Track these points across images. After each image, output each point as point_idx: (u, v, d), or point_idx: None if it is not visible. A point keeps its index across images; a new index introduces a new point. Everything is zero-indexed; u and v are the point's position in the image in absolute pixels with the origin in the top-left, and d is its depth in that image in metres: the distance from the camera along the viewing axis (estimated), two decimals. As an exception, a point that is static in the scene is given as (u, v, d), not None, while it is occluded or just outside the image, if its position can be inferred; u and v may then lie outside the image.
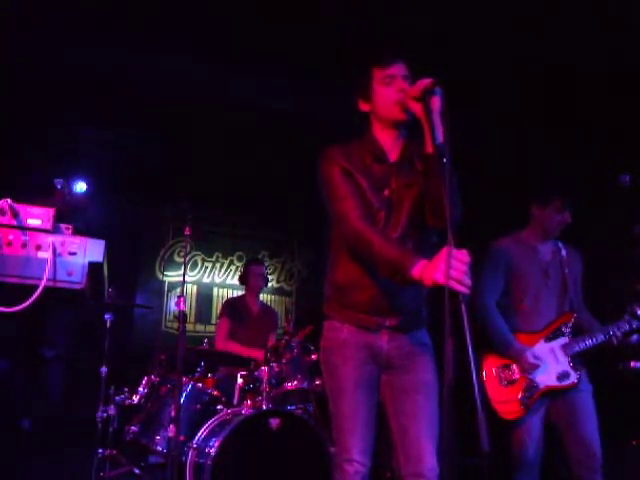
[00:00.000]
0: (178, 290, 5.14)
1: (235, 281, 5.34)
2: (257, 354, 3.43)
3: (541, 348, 2.46)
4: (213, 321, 5.33)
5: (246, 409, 2.83)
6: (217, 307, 5.28)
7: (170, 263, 5.39)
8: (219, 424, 2.76)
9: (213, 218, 5.43)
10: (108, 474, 2.94)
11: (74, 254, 1.47)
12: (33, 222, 1.48)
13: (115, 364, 3.12)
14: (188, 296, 5.30)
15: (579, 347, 2.45)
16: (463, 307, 1.31)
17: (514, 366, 2.46)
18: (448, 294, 1.34)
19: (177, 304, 2.80)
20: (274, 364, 2.96)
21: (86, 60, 3.76)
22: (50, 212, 1.50)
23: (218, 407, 2.98)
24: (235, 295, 4.96)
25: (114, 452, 2.99)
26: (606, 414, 2.44)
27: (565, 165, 4.11)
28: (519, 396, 2.42)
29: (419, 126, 1.63)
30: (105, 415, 2.98)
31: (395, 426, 1.73)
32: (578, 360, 2.46)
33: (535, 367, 2.41)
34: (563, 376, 2.42)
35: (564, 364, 2.44)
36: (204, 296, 5.50)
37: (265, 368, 2.90)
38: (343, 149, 1.78)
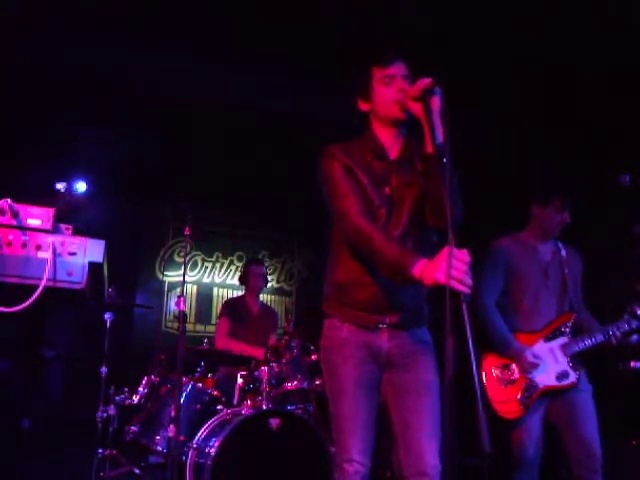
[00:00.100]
0: (178, 290, 5.14)
1: (235, 281, 5.34)
2: (257, 352, 3.43)
3: (540, 348, 2.46)
4: (213, 321, 5.32)
5: (246, 409, 2.83)
6: (217, 307, 5.28)
7: (170, 263, 5.39)
8: (219, 424, 2.76)
9: (213, 218, 5.43)
10: (108, 474, 2.94)
11: (74, 254, 1.47)
12: (33, 222, 1.48)
13: (115, 364, 3.12)
14: (188, 296, 5.30)
15: (578, 347, 2.45)
16: (464, 307, 1.31)
17: (513, 366, 2.46)
18: (449, 294, 1.34)
19: (177, 304, 2.80)
20: (274, 364, 2.96)
21: (86, 60, 3.76)
22: (50, 212, 1.50)
23: (218, 407, 2.98)
24: (235, 295, 4.96)
25: (114, 452, 2.99)
26: (606, 414, 2.44)
27: (565, 165, 4.11)
28: (518, 396, 2.42)
29: (419, 125, 1.64)
30: (105, 415, 2.98)
31: (397, 424, 1.73)
32: (577, 360, 2.46)
33: (534, 367, 2.41)
34: (562, 376, 2.42)
35: (563, 364, 2.44)
36: (204, 296, 5.50)
37: (265, 368, 2.90)
38: (343, 146, 1.78)
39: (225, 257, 5.63)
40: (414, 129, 1.68)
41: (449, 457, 1.39)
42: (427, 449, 1.65)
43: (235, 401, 3.03)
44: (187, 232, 2.93)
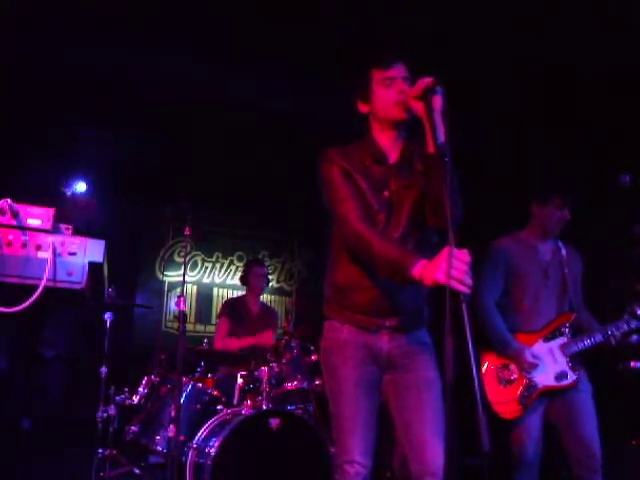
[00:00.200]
0: (178, 290, 5.13)
1: (235, 281, 5.35)
2: (259, 339, 3.44)
3: (540, 348, 2.46)
4: (213, 321, 5.32)
5: (246, 409, 2.83)
6: (217, 307, 5.28)
7: (170, 263, 5.39)
8: (219, 424, 2.76)
9: (213, 218, 5.42)
10: (108, 474, 2.94)
11: (74, 254, 1.47)
12: (33, 222, 1.48)
13: (115, 364, 3.12)
14: (188, 296, 5.30)
15: (578, 347, 2.45)
16: (464, 307, 1.31)
17: (513, 366, 2.46)
18: (449, 294, 1.34)
19: (177, 304, 2.80)
20: (274, 364, 2.96)
21: (86, 60, 3.76)
22: (50, 212, 1.50)
23: (218, 407, 2.98)
24: (235, 295, 4.96)
25: (114, 452, 2.99)
26: (606, 414, 2.44)
27: (565, 165, 4.11)
28: (518, 396, 2.42)
29: (419, 127, 1.63)
30: (105, 415, 2.98)
31: (400, 423, 1.73)
32: (577, 360, 2.46)
33: (534, 367, 2.41)
34: (561, 376, 2.42)
35: (562, 364, 2.44)
36: (204, 296, 5.50)
37: (265, 368, 2.90)
38: (342, 151, 1.78)
39: (225, 257, 5.63)
40: (414, 130, 1.68)
41: (449, 457, 1.39)
42: (431, 449, 1.65)
43: (235, 401, 3.03)
44: (187, 232, 2.93)
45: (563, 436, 2.41)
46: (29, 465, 3.53)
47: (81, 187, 4.69)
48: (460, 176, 1.60)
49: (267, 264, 5.29)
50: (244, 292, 4.14)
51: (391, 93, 1.71)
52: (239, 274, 4.47)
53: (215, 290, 5.57)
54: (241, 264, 5.33)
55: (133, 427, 2.90)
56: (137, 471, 2.98)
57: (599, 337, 2.44)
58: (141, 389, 3.07)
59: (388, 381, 1.77)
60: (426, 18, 3.40)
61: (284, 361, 2.98)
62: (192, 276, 5.42)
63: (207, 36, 3.64)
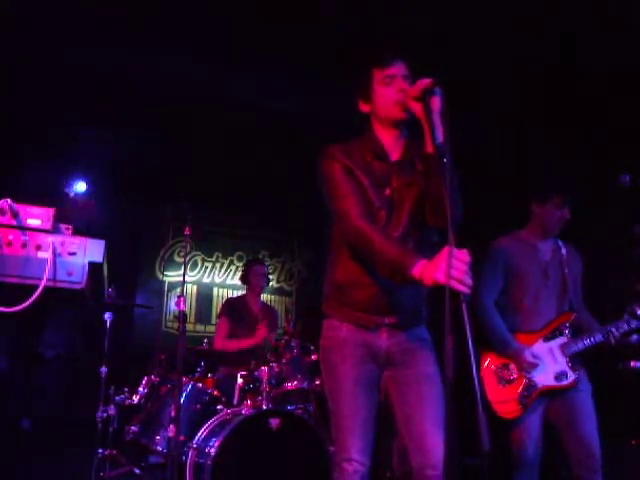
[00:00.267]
0: (178, 290, 5.13)
1: (235, 281, 5.35)
2: (254, 340, 3.44)
3: (540, 347, 2.46)
4: (213, 321, 5.32)
5: (246, 409, 2.83)
6: (217, 307, 5.28)
7: (170, 263, 5.39)
8: (219, 424, 2.76)
9: (213, 218, 5.43)
10: (108, 474, 2.94)
11: (74, 254, 1.47)
12: (33, 222, 1.48)
13: (115, 364, 3.12)
14: (188, 296, 5.30)
15: (577, 347, 2.45)
16: (464, 307, 1.31)
17: (512, 365, 2.46)
18: (449, 294, 1.34)
19: (177, 304, 2.80)
20: (274, 364, 2.96)
21: (86, 60, 3.76)
22: (50, 212, 1.50)
23: (218, 407, 2.98)
24: (235, 295, 4.96)
25: (114, 452, 2.99)
26: (605, 414, 2.44)
27: (565, 165, 4.11)
28: (517, 395, 2.42)
29: (419, 126, 1.63)
30: (105, 415, 2.98)
31: (401, 417, 1.73)
32: (577, 360, 2.46)
33: (533, 366, 2.41)
34: (561, 376, 2.42)
35: (562, 364, 2.44)
36: (204, 296, 5.50)
37: (265, 368, 2.90)
38: (344, 147, 1.78)
39: (225, 257, 5.63)
40: (415, 130, 1.68)
41: (449, 457, 1.39)
42: (432, 443, 1.65)
43: (235, 401, 3.03)
44: (187, 232, 2.93)
45: (563, 436, 2.41)
46: (29, 465, 3.53)
47: (81, 187, 4.69)
48: (460, 176, 1.60)
49: (267, 264, 5.29)
50: (244, 292, 4.14)
51: (391, 91, 1.71)
52: (239, 274, 4.47)
53: (215, 290, 5.57)
54: (241, 264, 5.33)
55: (133, 427, 2.90)
56: (137, 471, 2.98)
57: (599, 337, 2.44)
58: (141, 389, 3.07)
59: (388, 377, 1.77)
60: (426, 18, 3.40)
61: (284, 361, 2.98)
62: (192, 276, 5.42)
63: (207, 36, 3.64)
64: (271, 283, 5.30)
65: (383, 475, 3.07)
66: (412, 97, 1.62)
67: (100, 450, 2.94)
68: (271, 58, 3.78)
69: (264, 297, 4.91)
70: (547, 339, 2.48)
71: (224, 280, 5.61)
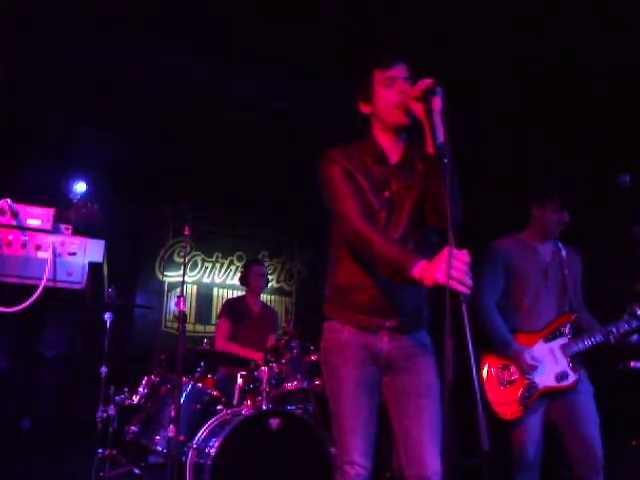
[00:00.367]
0: (178, 290, 5.12)
1: (235, 281, 5.34)
2: (256, 355, 3.43)
3: (540, 348, 2.46)
4: (213, 321, 5.32)
5: (246, 409, 2.83)
6: (217, 307, 5.28)
7: (170, 263, 5.39)
8: (219, 424, 2.76)
9: (213, 218, 5.42)
10: (108, 474, 2.94)
11: (74, 254, 1.47)
12: (33, 222, 1.48)
13: (115, 364, 3.12)
14: (188, 296, 5.29)
15: (578, 347, 2.45)
16: (464, 307, 1.31)
17: (513, 366, 2.46)
18: (449, 294, 1.34)
19: (177, 304, 2.80)
20: (274, 364, 2.96)
21: (86, 60, 3.76)
22: (50, 212, 1.50)
23: (218, 407, 2.98)
24: (235, 295, 4.96)
25: (114, 452, 2.99)
26: (606, 414, 2.44)
27: (565, 165, 4.11)
28: (518, 397, 2.42)
29: (420, 128, 1.63)
30: (105, 415, 2.97)
31: (398, 429, 1.73)
32: (577, 360, 2.46)
33: (533, 368, 2.41)
34: (562, 377, 2.42)
35: (563, 364, 2.44)
36: (204, 296, 5.50)
37: (265, 368, 2.90)
38: (343, 150, 1.78)
39: (225, 257, 5.63)
40: (415, 132, 1.69)
41: (449, 458, 1.39)
42: (428, 454, 1.65)
43: (235, 401, 3.03)
44: (187, 232, 2.93)
45: (564, 436, 2.41)
46: (29, 465, 3.53)
47: (81, 187, 4.69)
48: (460, 176, 1.60)
49: (267, 264, 5.30)
50: (244, 292, 4.14)
51: (392, 93, 1.71)
52: (239, 274, 4.46)
53: (215, 290, 5.57)
54: (241, 264, 5.32)
55: (133, 427, 2.89)
56: (137, 471, 2.98)
57: (600, 337, 2.43)
58: (141, 389, 3.07)
59: (387, 384, 1.77)
60: (426, 18, 3.40)
61: (284, 361, 2.98)
62: (192, 276, 5.42)
63: (207, 36, 3.64)
64: (271, 283, 5.30)
65: (383, 476, 3.07)
66: (413, 97, 1.62)
67: (100, 450, 2.94)
68: (271, 58, 3.78)
69: (264, 297, 4.91)
70: (547, 340, 2.48)
71: (224, 280, 5.61)
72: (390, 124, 1.75)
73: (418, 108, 1.61)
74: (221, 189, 5.00)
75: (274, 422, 2.67)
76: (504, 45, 3.56)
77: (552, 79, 3.82)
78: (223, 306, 4.09)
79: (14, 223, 1.47)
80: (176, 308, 2.89)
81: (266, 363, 2.97)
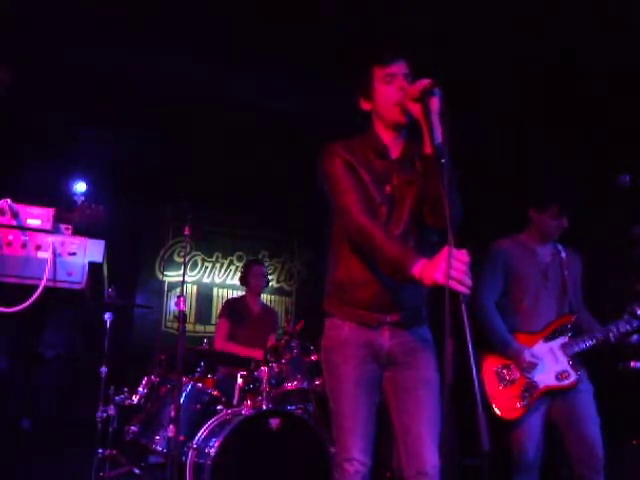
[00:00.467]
0: (178, 290, 5.13)
1: (235, 281, 5.34)
2: (256, 354, 3.43)
3: (540, 348, 2.46)
4: (213, 321, 5.32)
5: (246, 409, 2.83)
6: (217, 307, 5.28)
7: (170, 263, 5.39)
8: (219, 424, 2.76)
9: (213, 218, 5.42)
10: (108, 474, 2.94)
11: (74, 254, 1.47)
12: (33, 222, 1.48)
13: (115, 364, 3.12)
14: (188, 296, 5.29)
15: (578, 347, 2.45)
16: (463, 307, 1.31)
17: (513, 366, 2.46)
18: (448, 294, 1.34)
19: (177, 304, 2.80)
20: (274, 364, 2.96)
21: (86, 60, 3.76)
22: (50, 212, 1.50)
23: (218, 407, 2.98)
24: (235, 295, 4.96)
25: (114, 452, 2.99)
26: (606, 414, 2.44)
27: (565, 165, 4.11)
28: (518, 396, 2.42)
29: (419, 127, 1.64)
30: (105, 415, 2.97)
31: (397, 424, 1.73)
32: (578, 360, 2.46)
33: (533, 366, 2.41)
34: (562, 376, 2.42)
35: (563, 364, 2.44)
36: (204, 296, 5.50)
37: (265, 368, 2.90)
38: (345, 144, 1.78)
39: (225, 257, 5.63)
40: (414, 131, 1.69)
41: (449, 458, 1.39)
42: (427, 449, 1.65)
43: (235, 401, 3.03)
44: (187, 232, 2.94)
45: (565, 436, 2.41)
46: (29, 465, 3.53)
47: (81, 187, 4.69)
48: (460, 176, 1.60)
49: (267, 264, 5.30)
50: (244, 292, 4.14)
51: (392, 90, 1.71)
52: (239, 274, 4.47)
53: (215, 290, 5.57)
54: (241, 264, 5.32)
55: (133, 427, 2.89)
56: (137, 471, 2.98)
57: (600, 337, 2.44)
58: (141, 389, 3.07)
59: (388, 379, 1.77)
60: (426, 18, 3.40)
61: (284, 361, 2.98)
62: (192, 276, 5.42)
63: (207, 36, 3.64)
64: (271, 283, 5.30)
65: (383, 475, 3.07)
66: (411, 98, 1.62)
67: (100, 450, 2.94)
68: (271, 58, 3.78)
69: (264, 297, 4.92)
70: (547, 339, 2.48)
71: (224, 280, 5.61)
72: (389, 122, 1.76)
73: (416, 109, 1.62)
74: (221, 189, 5.00)
75: (274, 422, 2.67)
76: (504, 45, 3.56)
77: (552, 79, 3.82)
78: (223, 306, 4.09)
79: (14, 223, 1.47)
80: (176, 308, 2.90)
81: (266, 363, 2.97)
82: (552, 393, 2.44)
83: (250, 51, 3.73)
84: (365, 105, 1.80)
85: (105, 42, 3.66)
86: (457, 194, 1.62)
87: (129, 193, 4.81)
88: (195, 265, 5.49)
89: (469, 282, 1.38)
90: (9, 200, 1.47)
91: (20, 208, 1.48)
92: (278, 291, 5.76)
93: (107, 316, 3.13)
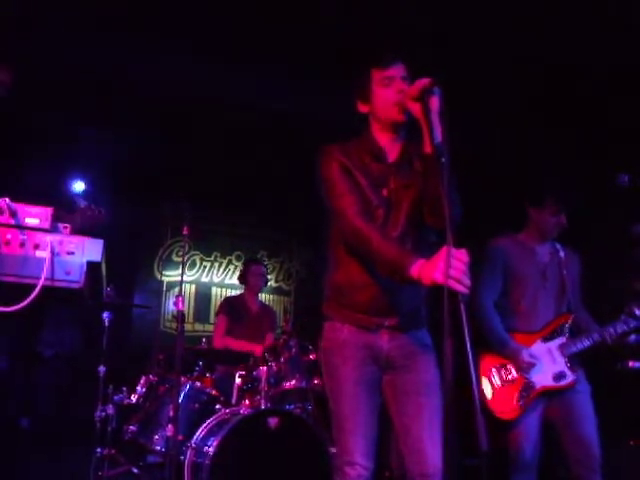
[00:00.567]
0: (176, 290, 5.13)
1: (234, 280, 5.34)
2: (255, 348, 3.43)
3: (538, 348, 2.46)
4: (211, 320, 5.32)
5: (244, 408, 2.83)
6: (216, 306, 5.26)
7: (168, 263, 5.39)
8: (217, 424, 2.76)
9: (213, 218, 5.43)
10: (106, 473, 2.94)
11: (72, 253, 1.47)
12: (31, 221, 1.48)
13: (113, 363, 3.11)
14: (186, 296, 5.30)
15: (576, 347, 2.45)
16: (462, 307, 1.31)
17: (511, 366, 2.46)
18: (447, 294, 1.34)
19: (175, 304, 2.80)
20: (272, 363, 2.96)
21: (86, 60, 3.76)
22: (48, 211, 1.50)
23: (216, 407, 2.98)
24: (234, 294, 4.96)
25: (112, 451, 2.98)
26: (604, 414, 2.44)
27: (565, 165, 4.11)
28: (516, 396, 2.42)
29: (418, 127, 1.63)
30: (103, 414, 2.97)
31: (399, 427, 1.72)
32: (575, 360, 2.46)
33: (531, 366, 2.41)
34: (559, 376, 2.42)
35: (561, 364, 2.44)
36: (202, 295, 5.50)
37: (264, 367, 2.90)
38: (342, 147, 1.78)
39: (224, 257, 5.63)
40: (413, 131, 1.69)
41: (449, 458, 1.39)
42: (429, 450, 1.64)
43: (233, 400, 3.03)
44: (185, 232, 2.94)
45: (562, 436, 2.41)
46: (27, 464, 3.53)
47: (79, 186, 4.69)
48: (459, 176, 1.60)
49: (266, 263, 5.29)
50: (242, 291, 4.14)
51: (390, 93, 1.71)
52: (237, 273, 4.47)
53: (214, 289, 5.57)
54: (240, 263, 5.33)
55: (131, 426, 2.89)
56: (135, 470, 2.98)
57: (597, 337, 2.43)
58: (139, 388, 3.07)
59: (387, 382, 1.77)
60: (426, 18, 3.40)
61: (282, 360, 2.98)
62: (190, 275, 5.42)
63: (207, 36, 3.64)
64: (269, 283, 5.30)
65: (383, 475, 3.07)
66: (411, 97, 1.62)
67: (98, 449, 2.94)
68: (271, 58, 3.78)
69: (262, 297, 4.92)
70: (545, 340, 2.48)
71: (222, 279, 5.61)
72: (388, 121, 1.75)
73: (416, 108, 1.61)
74: (221, 189, 5.00)
75: (272, 421, 2.67)
76: (504, 45, 3.56)
77: (552, 79, 3.82)
78: (221, 304, 4.09)
79: (12, 222, 1.47)
80: (175, 307, 2.90)
81: (265, 362, 2.97)
82: (549, 393, 2.44)
83: (250, 51, 3.73)
84: (362, 108, 1.80)
85: (105, 42, 3.66)
86: (456, 194, 1.62)
87: (129, 193, 4.81)
88: (194, 264, 5.49)
89: (468, 282, 1.38)
90: (7, 199, 1.47)
91: (18, 207, 1.48)
92: (276, 290, 5.76)
93: (106, 315, 3.13)
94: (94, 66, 3.80)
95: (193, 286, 5.46)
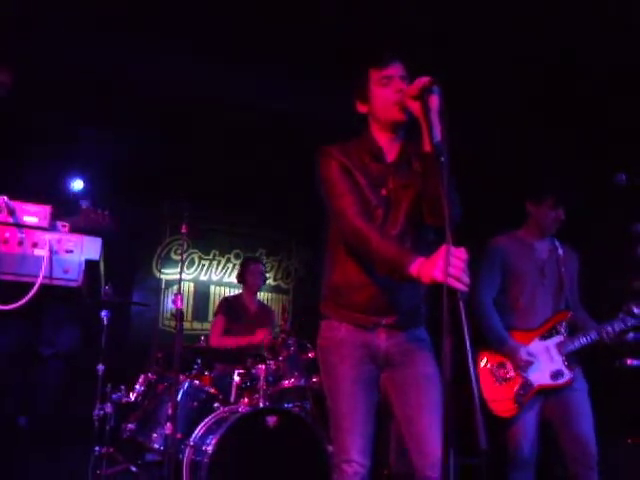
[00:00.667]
0: (175, 288, 5.14)
1: (232, 279, 5.34)
2: (252, 338, 3.44)
3: (536, 346, 2.47)
4: (210, 319, 5.31)
5: (243, 407, 2.83)
6: (214, 305, 5.27)
7: (167, 261, 5.38)
8: (216, 422, 2.76)
9: (213, 218, 5.43)
10: (105, 472, 2.94)
11: (71, 252, 1.48)
12: (30, 220, 1.49)
13: (112, 362, 3.11)
14: (185, 294, 5.29)
15: (574, 346, 2.45)
16: (461, 305, 1.31)
17: (509, 364, 2.47)
18: (446, 292, 1.34)
19: (174, 302, 2.80)
20: (271, 362, 2.97)
21: (86, 60, 3.76)
22: (46, 210, 1.51)
23: (215, 405, 2.98)
24: (232, 293, 4.96)
25: (111, 450, 2.98)
26: (602, 412, 2.44)
27: (565, 165, 4.11)
28: (514, 394, 2.43)
29: (417, 127, 1.63)
30: (102, 413, 2.97)
31: (402, 418, 1.73)
32: (573, 359, 2.46)
33: (529, 364, 2.41)
34: (557, 375, 2.43)
35: (558, 363, 2.44)
36: (201, 294, 5.50)
37: (262, 366, 2.90)
38: (341, 147, 1.78)
39: (222, 255, 5.63)
40: (412, 130, 1.69)
41: (449, 455, 1.38)
42: (431, 443, 1.64)
43: (232, 399, 3.03)
44: (184, 230, 2.94)
45: (559, 434, 2.41)
46: (26, 463, 3.53)
47: (78, 185, 4.69)
48: (459, 176, 1.60)
49: (264, 262, 5.30)
50: (241, 290, 4.14)
51: (389, 92, 1.71)
52: (236, 272, 4.47)
53: (212, 288, 5.57)
54: (238, 262, 5.33)
55: (130, 425, 2.89)
56: (134, 469, 2.98)
57: (595, 336, 2.44)
58: (138, 387, 3.07)
59: (386, 378, 1.77)
60: (426, 18, 3.40)
61: (281, 359, 2.98)
62: (189, 274, 5.42)
63: (207, 36, 3.64)
64: (268, 281, 5.30)
65: (381, 473, 3.07)
66: (410, 96, 1.62)
67: (97, 448, 2.93)
68: (271, 58, 3.78)
69: (260, 295, 4.92)
70: (543, 338, 2.49)
71: (221, 278, 5.61)
72: (387, 121, 1.75)
73: (415, 106, 1.61)
74: (221, 189, 5.00)
75: (271, 420, 2.67)
76: (504, 45, 3.56)
77: (552, 79, 3.82)
78: (219, 303, 4.10)
79: (11, 220, 1.47)
80: (173, 306, 2.90)
81: (263, 360, 2.97)
82: (546, 391, 2.44)
83: (250, 51, 3.73)
84: (361, 108, 1.80)
85: (105, 42, 3.66)
86: (456, 194, 1.62)
87: (129, 193, 4.81)
88: (192, 263, 5.49)
89: (467, 280, 1.38)
90: (5, 197, 1.48)
91: (17, 205, 1.49)
92: (275, 289, 5.77)
93: (104, 314, 3.12)
94: (94, 66, 3.80)
95: (192, 284, 5.46)
